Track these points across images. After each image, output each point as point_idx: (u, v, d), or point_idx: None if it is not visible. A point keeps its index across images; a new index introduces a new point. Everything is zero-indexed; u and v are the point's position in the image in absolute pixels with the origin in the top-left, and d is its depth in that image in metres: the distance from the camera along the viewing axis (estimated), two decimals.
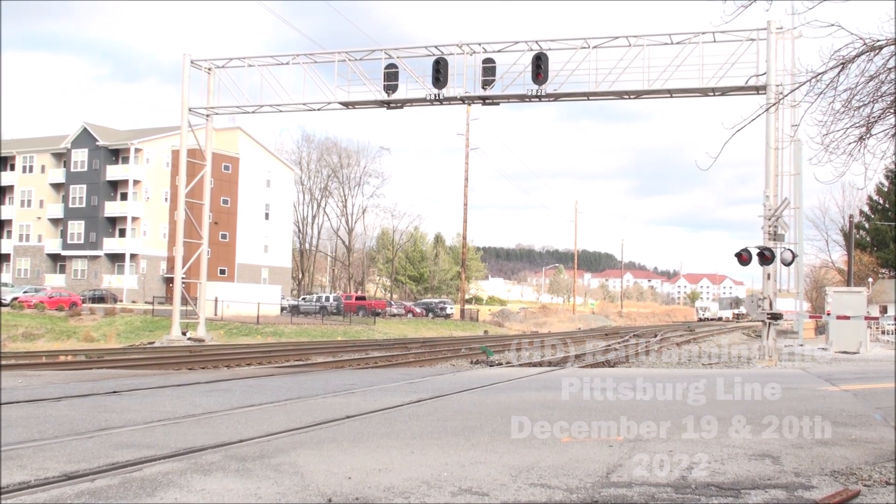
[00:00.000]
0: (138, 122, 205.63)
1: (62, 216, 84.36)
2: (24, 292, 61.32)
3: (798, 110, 23.73)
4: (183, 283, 36.19)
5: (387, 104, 31.57)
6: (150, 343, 38.17)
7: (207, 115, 35.28)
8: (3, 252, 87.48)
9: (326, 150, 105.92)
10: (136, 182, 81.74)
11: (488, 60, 30.05)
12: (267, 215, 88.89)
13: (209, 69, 34.41)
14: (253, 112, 34.28)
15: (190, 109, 34.88)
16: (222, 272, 78.60)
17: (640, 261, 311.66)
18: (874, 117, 9.14)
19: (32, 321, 48.86)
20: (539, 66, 29.06)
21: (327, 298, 73.37)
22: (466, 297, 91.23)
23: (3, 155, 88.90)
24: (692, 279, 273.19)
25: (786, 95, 20.09)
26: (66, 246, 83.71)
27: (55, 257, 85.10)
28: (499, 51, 30.28)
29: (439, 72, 29.89)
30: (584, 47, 29.18)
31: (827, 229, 74.61)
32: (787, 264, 24.96)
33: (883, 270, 67.20)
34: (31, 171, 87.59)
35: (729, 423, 9.94)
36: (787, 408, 11.80)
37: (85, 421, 9.83)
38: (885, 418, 10.64)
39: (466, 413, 11.01)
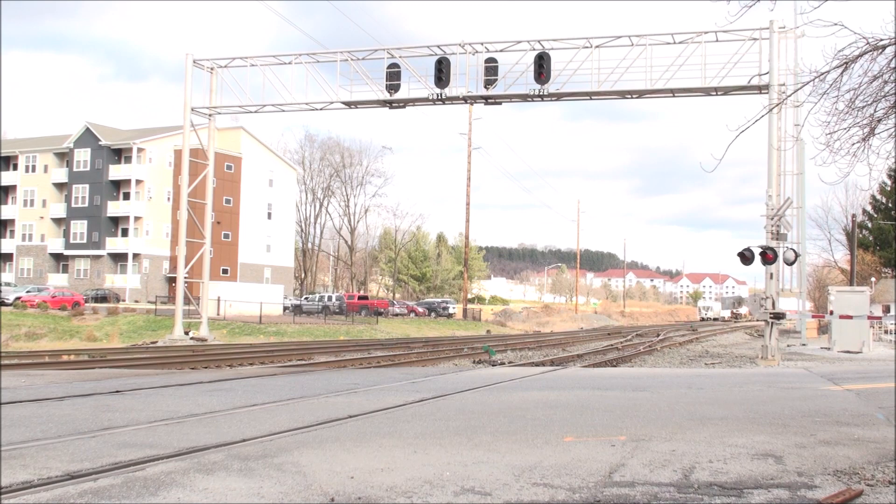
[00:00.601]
0: (142, 121, 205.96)
1: (65, 216, 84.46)
2: (27, 292, 61.38)
3: (801, 110, 23.74)
4: (185, 282, 36.21)
5: (389, 104, 31.56)
6: (152, 343, 38.19)
7: (210, 115, 35.31)
8: (6, 252, 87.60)
9: (329, 149, 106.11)
10: (138, 182, 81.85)
11: (491, 60, 30.04)
12: (269, 215, 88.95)
13: (212, 69, 34.44)
14: (255, 112, 34.28)
15: (192, 109, 34.91)
16: (225, 272, 78.65)
17: (643, 260, 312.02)
18: (877, 117, 9.13)
19: (35, 321, 48.91)
20: (541, 66, 29.05)
21: (330, 298, 73.40)
22: (469, 296, 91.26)
23: (6, 154, 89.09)
24: (695, 279, 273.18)
25: (789, 95, 20.08)
26: (68, 245, 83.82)
27: (58, 257, 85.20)
28: (501, 50, 30.27)
29: (442, 71, 29.89)
30: (587, 47, 29.17)
31: (830, 229, 74.67)
32: (790, 264, 24.95)
33: (886, 270, 67.13)
34: (33, 170, 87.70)
35: (731, 423, 9.94)
36: (790, 407, 11.80)
37: (88, 420, 9.84)
38: (887, 418, 10.63)
39: (469, 412, 11.01)
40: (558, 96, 30.32)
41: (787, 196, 26.02)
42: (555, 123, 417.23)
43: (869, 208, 70.87)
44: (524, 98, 30.25)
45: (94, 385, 14.58)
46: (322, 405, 11.94)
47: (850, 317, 29.36)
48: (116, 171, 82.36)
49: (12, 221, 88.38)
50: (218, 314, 50.83)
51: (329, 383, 15.67)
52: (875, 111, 9.11)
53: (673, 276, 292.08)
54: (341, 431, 9.15)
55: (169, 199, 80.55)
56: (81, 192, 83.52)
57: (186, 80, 34.56)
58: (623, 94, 30.17)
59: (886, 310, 44.40)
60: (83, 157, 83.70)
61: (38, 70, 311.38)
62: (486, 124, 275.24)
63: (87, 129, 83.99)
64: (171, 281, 71.04)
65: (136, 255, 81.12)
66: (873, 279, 60.75)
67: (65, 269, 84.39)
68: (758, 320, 32.67)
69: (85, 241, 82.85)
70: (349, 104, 32.39)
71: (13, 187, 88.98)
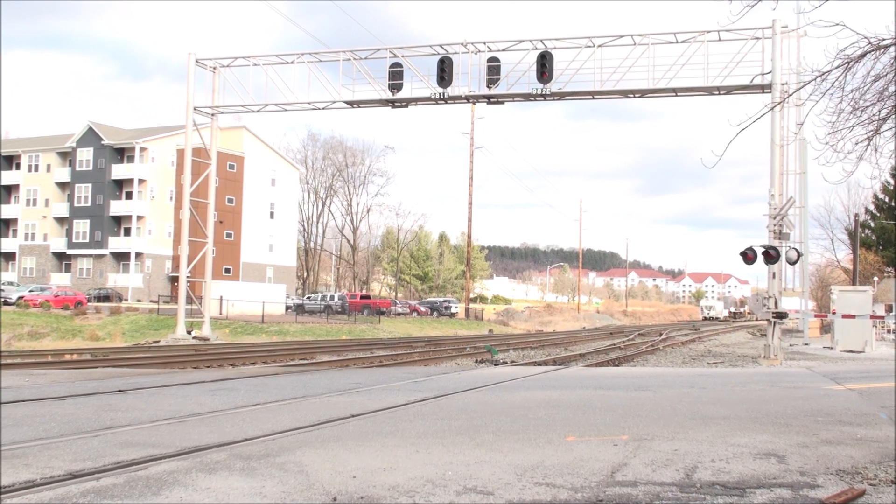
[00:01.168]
0: (144, 121, 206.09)
1: (67, 215, 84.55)
2: (30, 291, 61.49)
3: (803, 109, 23.68)
4: (188, 281, 36.23)
5: (391, 103, 31.58)
6: (155, 342, 38.23)
7: (212, 114, 35.35)
8: (9, 251, 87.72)
9: (331, 149, 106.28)
10: (141, 181, 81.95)
11: (493, 59, 30.05)
12: (272, 214, 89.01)
13: (214, 68, 34.47)
14: (258, 111, 34.30)
15: (195, 108, 34.96)
16: (227, 271, 78.69)
17: (645, 260, 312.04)
18: (881, 117, 9.12)
19: (38, 320, 48.99)
20: (544, 65, 29.05)
21: (332, 297, 73.45)
22: (471, 296, 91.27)
23: (9, 154, 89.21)
24: (697, 278, 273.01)
25: (791, 94, 20.08)
26: (71, 245, 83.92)
27: (60, 256, 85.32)
28: (503, 50, 30.27)
29: (444, 71, 29.91)
30: (589, 46, 29.16)
31: (832, 228, 74.53)
32: (793, 263, 24.92)
33: (888, 269, 67.01)
34: (36, 169, 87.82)
35: (734, 422, 9.94)
36: (792, 407, 11.79)
37: (90, 420, 9.85)
38: (890, 417, 10.61)
39: (471, 412, 11.01)
40: (560, 96, 30.33)
41: (790, 195, 25.98)
42: (557, 123, 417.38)
43: (871, 207, 70.79)
44: (526, 97, 30.25)
45: (96, 384, 14.60)
46: (324, 404, 11.94)
47: (852, 316, 29.34)
48: (119, 171, 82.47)
49: (15, 221, 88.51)
50: (220, 313, 50.88)
51: (331, 383, 15.68)
52: (879, 111, 9.10)
53: (675, 275, 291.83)
54: (343, 431, 9.15)
55: (171, 198, 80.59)
56: (84, 191, 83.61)
57: (189, 80, 34.61)
58: (625, 94, 30.17)
59: (889, 309, 44.32)
60: (86, 156, 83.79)
61: (41, 70, 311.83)
62: (489, 124, 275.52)
63: (90, 129, 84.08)
64: (174, 280, 71.18)
65: (138, 255, 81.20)
66: (876, 278, 60.64)
67: (67, 269, 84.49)
68: (760, 320, 32.65)
69: (87, 240, 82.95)
70: (352, 104, 32.41)
71: (16, 186, 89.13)
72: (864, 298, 30.28)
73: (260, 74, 33.30)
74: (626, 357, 28.87)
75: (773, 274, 25.35)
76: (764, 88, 27.02)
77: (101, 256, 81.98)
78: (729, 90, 28.57)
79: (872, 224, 69.53)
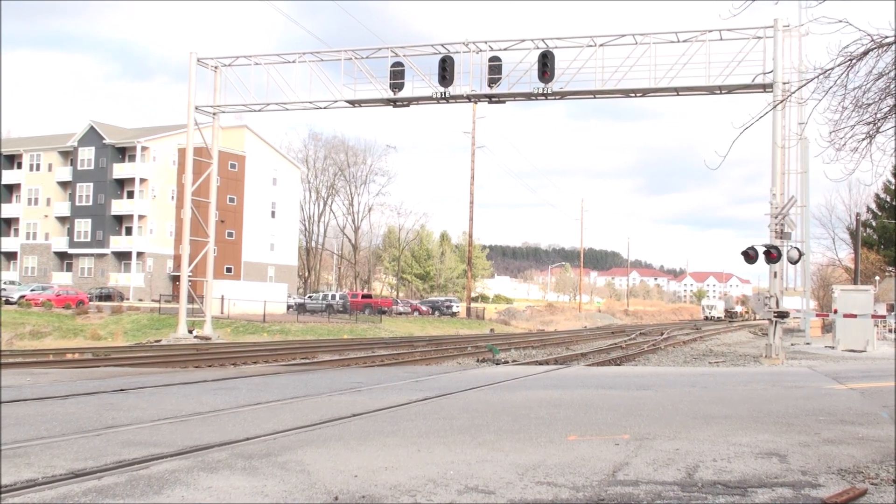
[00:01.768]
0: (146, 120, 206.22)
1: (69, 214, 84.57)
2: (32, 290, 61.53)
3: (805, 108, 23.70)
4: (189, 281, 36.24)
5: (393, 102, 31.58)
6: (156, 341, 38.24)
7: (214, 114, 35.36)
8: (10, 250, 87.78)
9: (333, 148, 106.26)
10: (142, 180, 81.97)
11: (494, 59, 30.05)
12: (273, 213, 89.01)
13: (216, 67, 34.48)
14: (259, 110, 34.31)
15: (196, 108, 34.97)
16: (229, 270, 78.66)
17: (647, 259, 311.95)
18: (882, 115, 9.11)
19: (40, 319, 49.03)
20: (545, 65, 29.05)
21: (333, 297, 73.44)
22: (472, 295, 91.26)
23: (10, 153, 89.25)
24: (698, 277, 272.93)
25: (793, 93, 20.03)
26: (72, 244, 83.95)
27: (62, 255, 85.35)
28: (505, 49, 30.27)
29: (445, 70, 29.90)
30: (591, 45, 29.15)
31: (833, 227, 74.57)
32: (794, 262, 24.92)
33: (890, 268, 66.99)
34: (38, 169, 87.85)
35: (735, 422, 9.93)
36: (794, 406, 11.79)
37: (92, 419, 9.85)
38: (891, 417, 10.61)
39: (473, 411, 11.01)
40: (562, 95, 30.32)
41: (791, 195, 25.98)
42: (559, 122, 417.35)
43: (873, 206, 70.74)
44: (528, 97, 30.25)
45: (98, 383, 14.61)
46: (326, 404, 11.95)
47: (854, 315, 29.33)
48: (120, 170, 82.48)
49: (17, 220, 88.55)
50: (222, 313, 50.89)
51: (333, 382, 15.68)
52: (880, 109, 9.09)
53: (677, 274, 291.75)
54: (345, 430, 9.15)
55: (173, 197, 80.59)
56: (86, 190, 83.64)
57: (190, 79, 34.62)
58: (627, 93, 30.17)
59: (890, 308, 44.30)
60: (87, 155, 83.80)
61: (42, 69, 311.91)
62: (490, 123, 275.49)
63: (92, 128, 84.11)
64: (175, 279, 71.17)
65: (140, 254, 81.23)
66: (877, 278, 60.62)
67: (69, 268, 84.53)
68: (761, 319, 32.62)
69: (89, 239, 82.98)
70: (353, 103, 32.41)
71: (17, 186, 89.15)
72: (865, 298, 30.27)
73: (261, 74, 33.35)
74: (628, 356, 28.87)
75: (775, 273, 25.35)
76: (766, 87, 27.01)
77: (103, 256, 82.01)
78: (731, 89, 28.56)
79: (874, 223, 69.47)
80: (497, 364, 23.59)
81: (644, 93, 29.95)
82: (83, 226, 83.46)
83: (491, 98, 30.92)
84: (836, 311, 30.14)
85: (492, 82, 29.94)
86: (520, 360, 26.33)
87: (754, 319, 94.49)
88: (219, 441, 8.21)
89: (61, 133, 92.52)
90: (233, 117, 69.22)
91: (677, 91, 29.36)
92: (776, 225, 24.51)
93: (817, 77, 8.97)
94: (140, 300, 71.87)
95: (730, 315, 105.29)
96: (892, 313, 42.55)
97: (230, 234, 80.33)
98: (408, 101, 31.49)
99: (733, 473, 6.83)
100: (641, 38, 28.59)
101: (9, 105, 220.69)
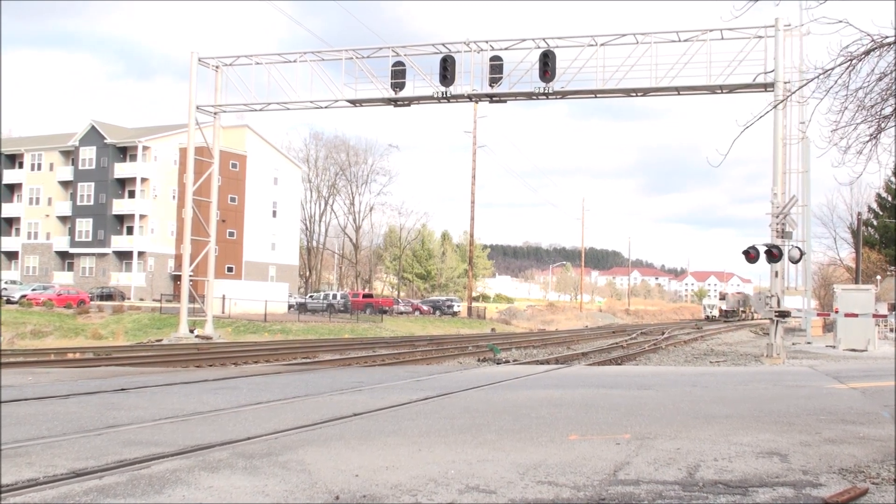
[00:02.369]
0: (147, 119, 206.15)
1: (70, 214, 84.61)
2: (33, 290, 61.58)
3: (806, 107, 23.69)
4: (190, 280, 36.25)
5: (394, 102, 31.58)
6: (157, 341, 38.26)
7: (215, 113, 35.37)
8: (11, 250, 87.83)
9: (334, 147, 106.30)
10: (143, 180, 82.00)
11: (496, 58, 30.05)
12: (274, 213, 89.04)
13: (217, 67, 34.48)
14: (260, 110, 34.31)
15: (198, 107, 34.98)
16: (230, 270, 78.78)
17: (648, 258, 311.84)
18: (885, 115, 9.10)
19: (41, 318, 49.07)
20: (546, 64, 29.04)
21: (334, 296, 73.46)
22: (473, 294, 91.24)
23: (11, 153, 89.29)
24: (700, 277, 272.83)
25: (794, 92, 20.03)
26: (74, 244, 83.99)
27: (63, 255, 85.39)
28: (506, 48, 30.26)
29: (447, 69, 29.90)
30: (592, 45, 29.14)
31: (835, 227, 74.45)
32: (795, 262, 24.90)
33: (891, 268, 66.90)
34: (39, 168, 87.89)
35: (736, 421, 9.93)
36: (795, 405, 11.78)
37: (93, 418, 9.86)
38: (892, 416, 10.60)
39: (474, 411, 11.01)
40: (563, 94, 30.31)
41: (793, 194, 25.96)
42: (561, 121, 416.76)
43: (874, 206, 70.66)
44: (529, 96, 30.24)
45: (99, 383, 14.61)
46: (327, 403, 11.95)
47: (855, 315, 29.32)
48: (122, 170, 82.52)
49: (18, 219, 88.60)
50: (223, 312, 50.93)
51: (334, 381, 15.68)
52: (882, 109, 9.08)
53: (678, 274, 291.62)
54: (346, 430, 9.15)
55: (174, 197, 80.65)
56: (87, 190, 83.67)
57: (191, 79, 34.64)
58: (628, 92, 30.15)
59: (892, 308, 44.25)
60: (89, 155, 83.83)
61: (44, 68, 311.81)
62: (492, 122, 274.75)
63: (93, 128, 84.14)
64: (176, 279, 71.20)
65: (141, 254, 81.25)
66: (879, 277, 60.56)
67: (70, 268, 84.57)
68: (762, 318, 32.60)
69: (90, 239, 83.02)
70: (354, 102, 32.42)
71: (19, 185, 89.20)
72: (866, 297, 30.27)
73: (262, 73, 33.33)
74: (629, 356, 28.87)
75: (776, 273, 25.34)
76: (767, 87, 27.00)
77: (104, 255, 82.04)
78: (732, 89, 28.54)
79: (875, 222, 69.39)
80: (498, 363, 23.60)
81: (645, 92, 29.93)
82: (84, 225, 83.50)
83: (492, 97, 30.91)
84: (837, 311, 30.13)
85: (493, 82, 29.94)
86: (521, 359, 26.34)
87: (753, 319, 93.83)
88: (220, 440, 8.22)
89: (62, 133, 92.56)
90: (234, 117, 69.18)
91: (678, 90, 29.35)
92: (777, 224, 24.50)
93: (818, 77, 8.97)
94: (141, 300, 71.93)
95: (725, 314, 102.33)
96: (894, 313, 42.51)
97: (231, 234, 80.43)
98: (409, 101, 31.49)
99: (734, 473, 6.83)
100: (642, 37, 28.58)
101: (10, 104, 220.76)
